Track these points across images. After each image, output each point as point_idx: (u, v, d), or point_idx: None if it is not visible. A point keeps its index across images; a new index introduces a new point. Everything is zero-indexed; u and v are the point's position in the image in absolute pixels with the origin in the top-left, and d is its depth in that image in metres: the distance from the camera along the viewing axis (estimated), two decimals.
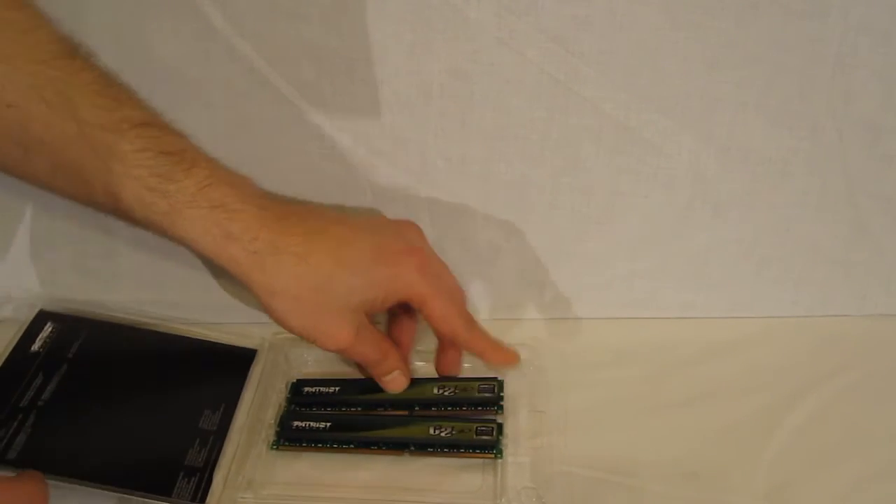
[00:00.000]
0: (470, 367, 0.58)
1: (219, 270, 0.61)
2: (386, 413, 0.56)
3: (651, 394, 0.58)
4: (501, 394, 0.56)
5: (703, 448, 0.54)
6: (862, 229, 0.60)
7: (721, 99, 0.55)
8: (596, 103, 0.55)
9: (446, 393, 0.56)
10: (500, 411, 0.55)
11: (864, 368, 0.60)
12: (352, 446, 0.53)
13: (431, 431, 0.53)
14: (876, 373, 0.60)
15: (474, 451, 0.53)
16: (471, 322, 0.55)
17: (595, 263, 0.62)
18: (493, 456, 0.53)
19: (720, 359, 0.61)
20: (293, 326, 0.50)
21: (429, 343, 0.58)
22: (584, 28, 0.52)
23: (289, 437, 0.54)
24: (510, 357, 0.57)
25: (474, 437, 0.53)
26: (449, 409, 0.55)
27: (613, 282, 0.63)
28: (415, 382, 0.56)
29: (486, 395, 0.56)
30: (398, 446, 0.53)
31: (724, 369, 0.60)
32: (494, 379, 0.57)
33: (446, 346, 0.57)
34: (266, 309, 0.50)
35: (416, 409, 0.56)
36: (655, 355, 0.61)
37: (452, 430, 0.53)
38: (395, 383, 0.55)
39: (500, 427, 0.54)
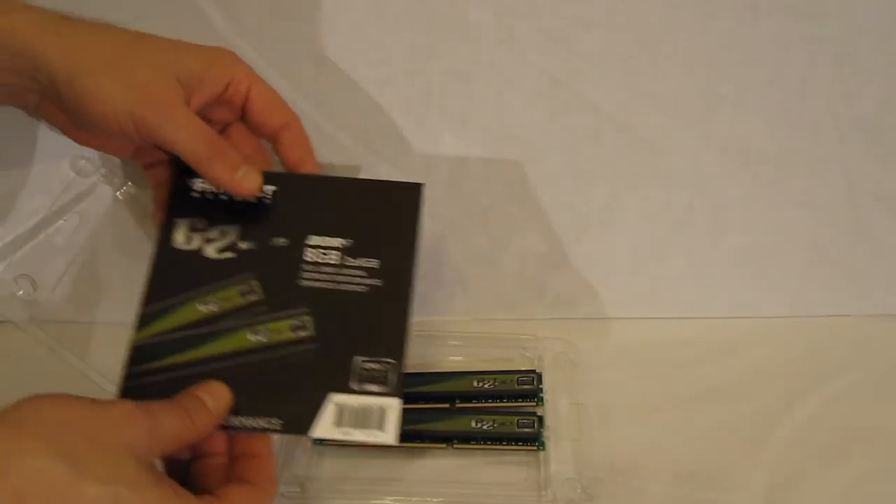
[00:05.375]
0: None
1: None
2: (427, 406, 0.56)
3: (651, 394, 0.58)
4: (541, 386, 0.56)
5: (703, 448, 0.54)
6: (862, 229, 0.60)
7: (721, 99, 0.55)
8: (596, 103, 0.55)
9: (486, 386, 0.56)
10: (540, 404, 0.56)
11: (864, 368, 0.60)
12: None
13: (473, 424, 0.54)
14: (876, 373, 0.60)
15: (517, 444, 0.53)
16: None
17: (594, 264, 0.62)
18: (535, 448, 0.53)
19: (720, 359, 0.61)
20: (104, 93, 0.43)
21: None
22: (584, 28, 0.52)
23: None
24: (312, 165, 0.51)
25: (516, 429, 0.54)
26: (489, 401, 0.56)
27: (613, 282, 0.63)
28: (454, 375, 0.57)
29: (526, 387, 0.56)
30: (441, 440, 0.54)
31: (724, 369, 0.60)
32: (533, 372, 0.57)
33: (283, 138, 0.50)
34: (66, 88, 0.43)
35: (457, 402, 0.56)
36: (655, 355, 0.61)
37: (494, 422, 0.54)
38: (247, 181, 0.47)
39: (540, 419, 0.54)
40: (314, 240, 0.48)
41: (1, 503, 0.34)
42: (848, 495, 0.52)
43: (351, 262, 0.48)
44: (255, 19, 0.52)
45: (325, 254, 0.48)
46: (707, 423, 0.56)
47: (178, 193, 0.49)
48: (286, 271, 0.47)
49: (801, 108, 0.55)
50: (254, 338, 0.46)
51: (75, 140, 0.49)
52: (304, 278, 0.47)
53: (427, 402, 0.56)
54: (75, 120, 0.46)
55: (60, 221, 0.56)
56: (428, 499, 0.52)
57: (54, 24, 0.44)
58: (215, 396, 0.43)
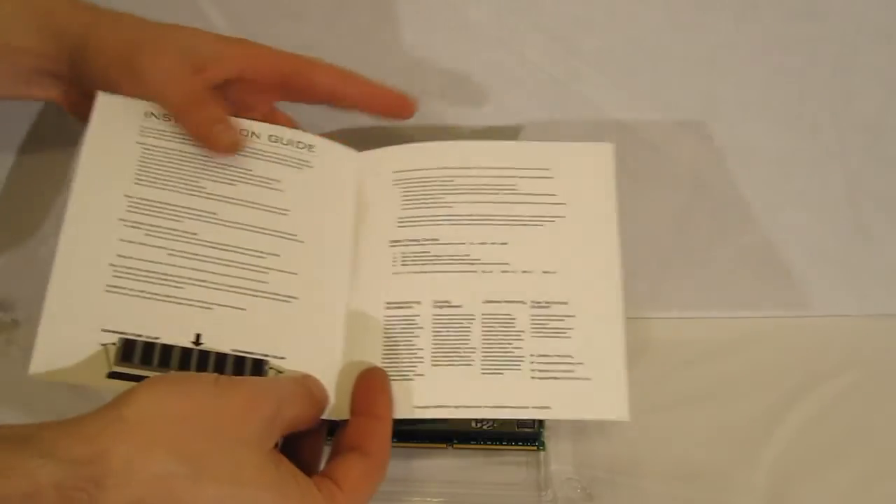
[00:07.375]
0: None
1: None
2: None
3: (651, 393, 0.58)
4: None
5: (703, 448, 0.54)
6: (862, 229, 0.60)
7: (721, 99, 0.55)
8: (596, 103, 0.55)
9: None
10: None
11: (864, 368, 0.60)
12: (394, 440, 0.53)
13: (473, 424, 0.54)
14: (876, 373, 0.60)
15: (517, 444, 0.53)
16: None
17: None
18: (535, 448, 0.53)
19: (720, 359, 0.61)
20: (112, 27, 0.45)
21: None
22: (584, 28, 0.52)
23: (331, 431, 0.53)
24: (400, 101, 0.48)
25: (516, 429, 0.53)
26: None
27: None
28: None
29: None
30: (441, 439, 0.54)
31: (724, 369, 0.60)
32: None
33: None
34: (82, 29, 0.45)
35: None
36: (655, 355, 0.61)
37: (494, 422, 0.54)
38: (224, 135, 0.45)
39: (540, 420, 0.54)
40: None
41: None
42: (848, 495, 0.52)
43: None
44: (255, 19, 0.52)
45: None
46: (707, 423, 0.56)
47: None
48: None
49: (801, 108, 0.55)
50: None
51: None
52: None
53: None
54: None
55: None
56: (428, 499, 0.52)
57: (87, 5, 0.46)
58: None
